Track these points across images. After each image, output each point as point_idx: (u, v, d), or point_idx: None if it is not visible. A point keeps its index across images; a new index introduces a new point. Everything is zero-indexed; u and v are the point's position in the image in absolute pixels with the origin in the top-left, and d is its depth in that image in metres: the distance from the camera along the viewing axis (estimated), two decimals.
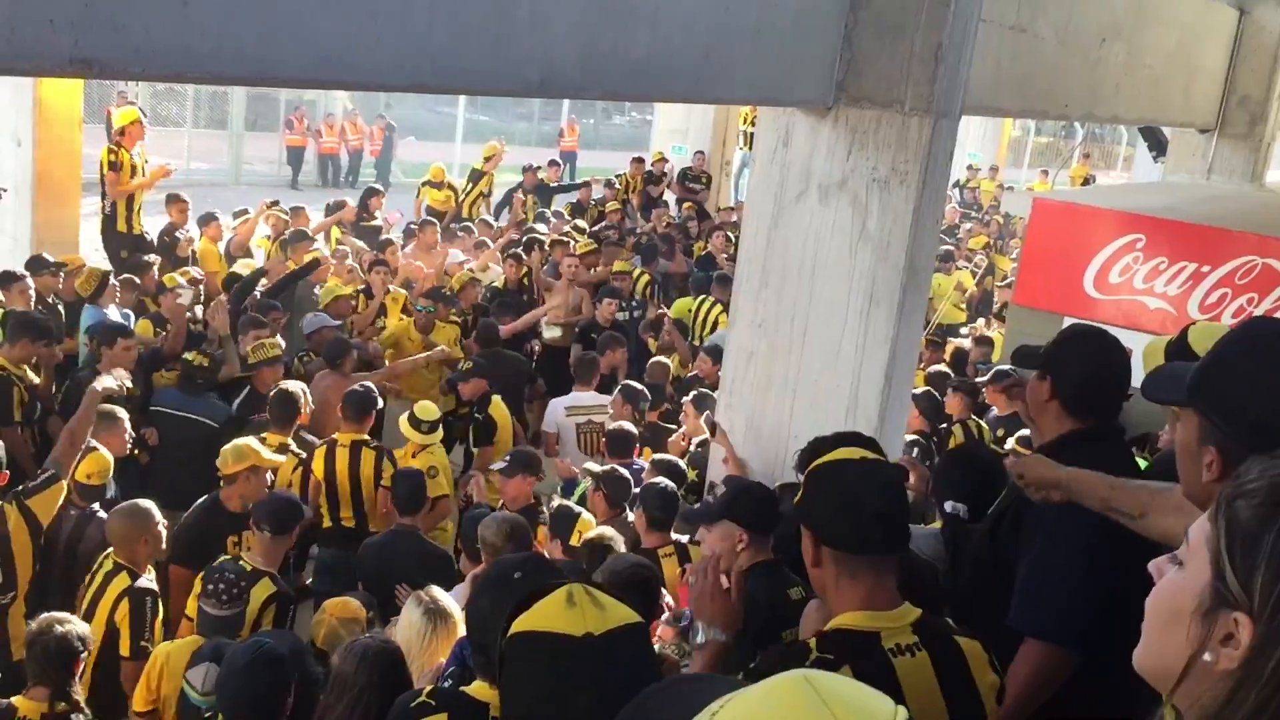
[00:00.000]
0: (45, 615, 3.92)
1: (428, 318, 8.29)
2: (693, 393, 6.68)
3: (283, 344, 7.00)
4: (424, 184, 14.05)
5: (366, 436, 6.17)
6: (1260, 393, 1.77)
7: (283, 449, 5.90)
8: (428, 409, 6.36)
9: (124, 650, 4.49)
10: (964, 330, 11.41)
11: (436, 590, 3.91)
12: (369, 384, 6.42)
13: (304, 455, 6.06)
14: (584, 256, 10.17)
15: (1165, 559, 1.29)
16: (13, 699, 3.82)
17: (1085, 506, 2.43)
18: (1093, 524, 2.44)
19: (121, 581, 4.57)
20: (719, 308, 9.37)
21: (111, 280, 7.60)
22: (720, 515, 3.65)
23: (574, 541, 4.76)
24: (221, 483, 5.34)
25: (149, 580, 4.68)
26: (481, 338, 8.16)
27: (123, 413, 5.59)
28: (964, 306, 12.67)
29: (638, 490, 5.09)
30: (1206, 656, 1.18)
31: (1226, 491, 1.22)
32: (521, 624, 1.79)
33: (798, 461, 3.02)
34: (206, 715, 3.56)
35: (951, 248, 13.82)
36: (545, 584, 1.87)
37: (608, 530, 4.58)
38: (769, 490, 3.88)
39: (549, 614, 1.78)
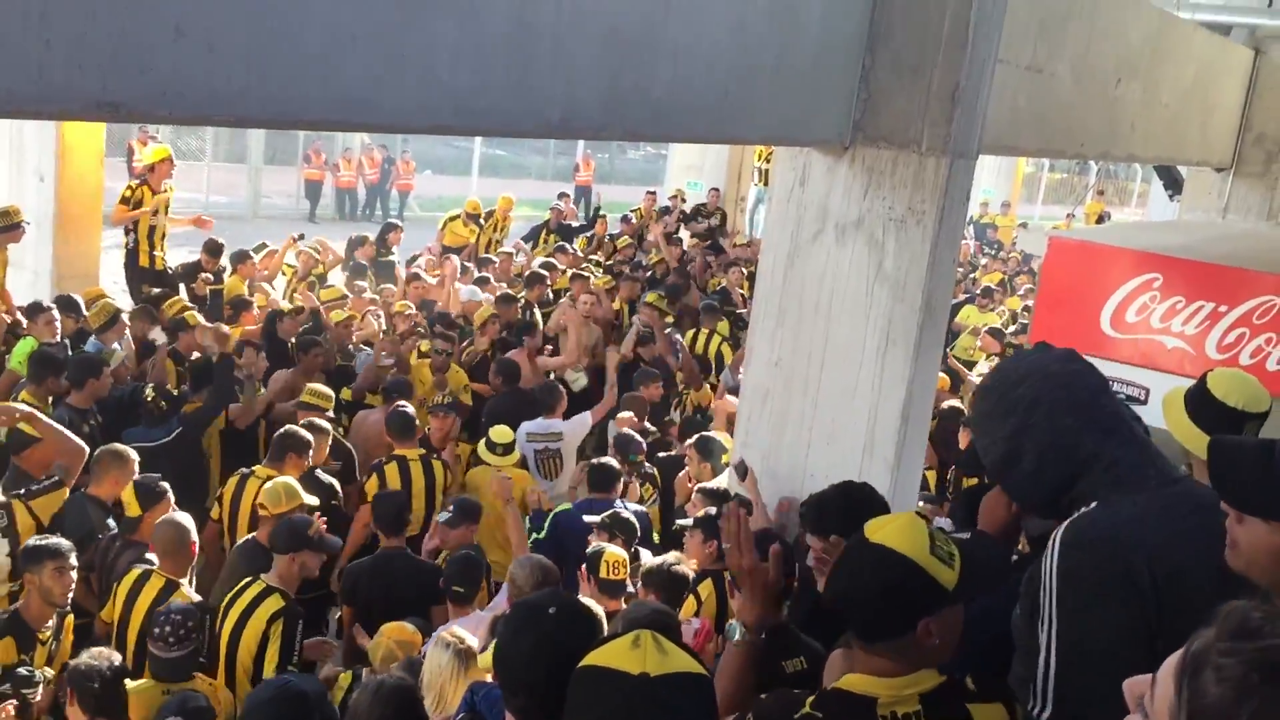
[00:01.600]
0: None
1: (443, 360, 8.29)
2: (696, 436, 6.68)
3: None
4: (452, 218, 14.02)
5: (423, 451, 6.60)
6: None
7: (251, 475, 5.97)
8: (503, 433, 6.67)
9: None
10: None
11: (460, 630, 3.90)
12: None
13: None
14: (574, 283, 10.17)
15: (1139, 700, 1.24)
16: None
17: None
18: None
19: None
20: (717, 339, 9.42)
21: (123, 318, 7.67)
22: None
23: (604, 574, 4.77)
24: (260, 525, 5.36)
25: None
26: (502, 374, 8.08)
27: (133, 454, 5.59)
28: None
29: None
30: None
31: (1193, 653, 1.15)
32: (587, 660, 1.90)
33: (801, 514, 3.00)
34: None
35: (991, 286, 13.85)
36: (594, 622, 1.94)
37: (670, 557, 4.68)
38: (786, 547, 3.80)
39: (613, 652, 1.88)
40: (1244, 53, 9.87)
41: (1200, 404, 3.01)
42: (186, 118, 2.40)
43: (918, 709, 2.09)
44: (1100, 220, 22.89)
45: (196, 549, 5.07)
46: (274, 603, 4.71)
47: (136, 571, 4.92)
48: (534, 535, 5.91)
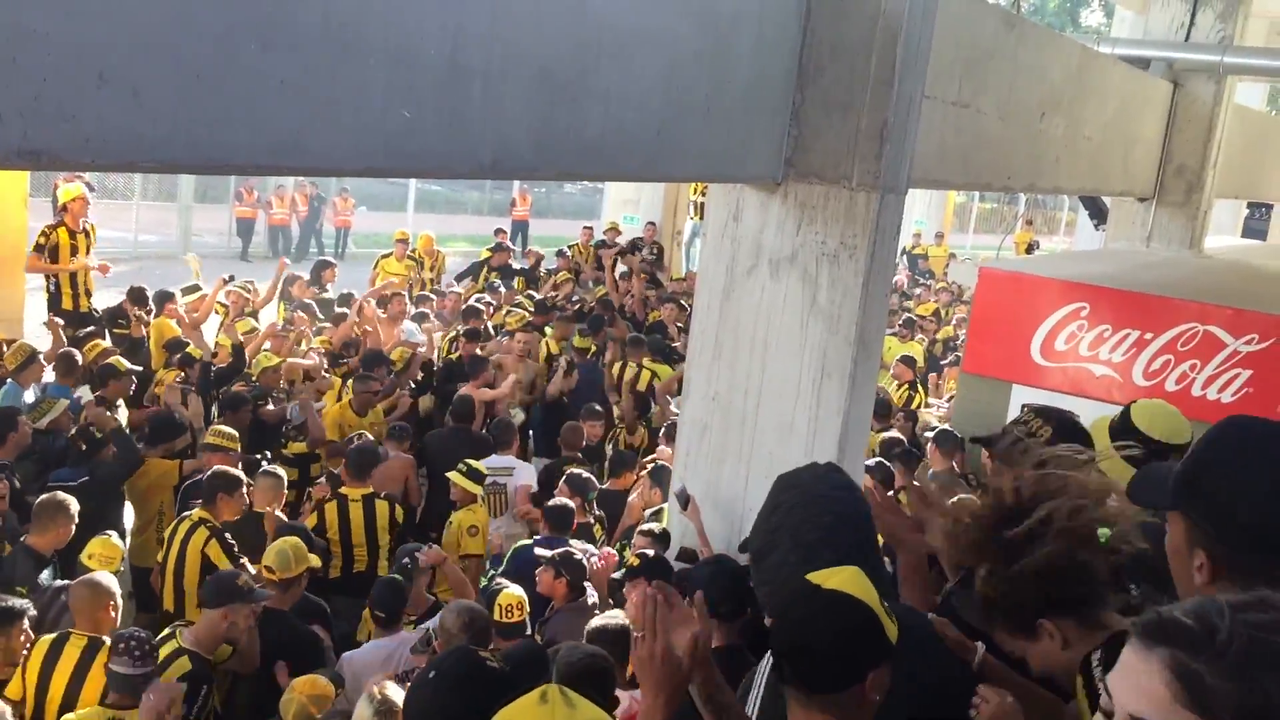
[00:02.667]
0: None
1: (364, 399, 8.20)
2: (651, 464, 6.73)
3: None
4: (384, 256, 13.91)
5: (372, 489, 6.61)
6: (1246, 496, 1.76)
7: (199, 524, 5.83)
8: (478, 463, 6.68)
9: None
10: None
11: (391, 688, 3.83)
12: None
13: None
14: (524, 329, 10.14)
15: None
16: None
17: None
18: None
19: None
20: (646, 373, 9.48)
21: (40, 359, 7.53)
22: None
23: (498, 616, 4.76)
24: (276, 590, 5.18)
25: None
26: (455, 412, 7.97)
27: (73, 502, 5.51)
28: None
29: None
30: None
31: (1184, 674, 1.16)
32: (497, 718, 1.90)
33: (741, 546, 3.01)
34: None
35: (914, 318, 14.00)
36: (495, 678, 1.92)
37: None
38: (742, 571, 3.75)
39: (521, 710, 1.88)
40: (1163, 86, 10.15)
41: (1125, 435, 3.06)
42: (111, 165, 2.37)
43: None
44: (1030, 249, 23.35)
45: (116, 609, 4.86)
46: (182, 665, 4.55)
47: (50, 637, 4.70)
48: (491, 571, 5.93)
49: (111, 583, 4.89)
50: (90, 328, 9.04)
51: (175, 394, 7.49)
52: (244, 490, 6.04)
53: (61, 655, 4.62)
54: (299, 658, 4.84)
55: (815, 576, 2.09)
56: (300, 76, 2.63)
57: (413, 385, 9.11)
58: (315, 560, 5.41)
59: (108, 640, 4.59)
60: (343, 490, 6.56)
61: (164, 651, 4.56)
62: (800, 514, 2.45)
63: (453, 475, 6.57)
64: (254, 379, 8.25)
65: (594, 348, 10.33)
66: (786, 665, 2.06)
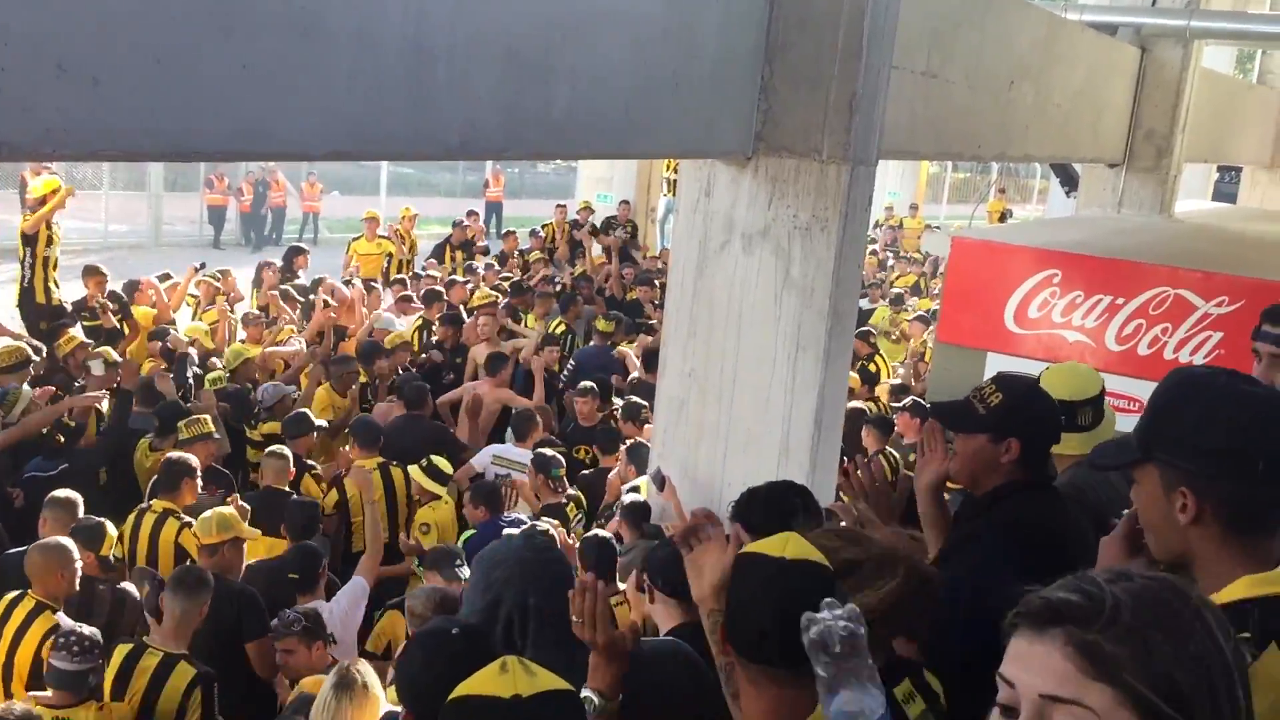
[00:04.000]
0: None
1: (346, 380, 8.15)
2: (631, 441, 6.73)
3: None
4: (354, 239, 13.84)
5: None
6: (1212, 423, 1.84)
7: (165, 515, 5.82)
8: (445, 462, 6.56)
9: None
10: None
11: (363, 663, 3.82)
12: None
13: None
14: (482, 307, 10.09)
15: None
16: None
17: None
18: None
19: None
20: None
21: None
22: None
23: None
24: (201, 554, 5.21)
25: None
26: (407, 399, 7.81)
27: (76, 497, 5.54)
28: (895, 339, 12.83)
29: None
30: None
31: (1091, 639, 1.21)
32: (457, 691, 1.92)
33: (731, 513, 3.04)
34: None
35: (903, 292, 14.07)
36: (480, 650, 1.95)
37: None
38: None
39: (482, 681, 1.91)
40: (1131, 51, 10.19)
41: None
42: (74, 155, 2.35)
43: None
44: (1003, 218, 23.43)
45: (71, 576, 4.85)
46: (185, 672, 4.47)
47: (9, 596, 4.78)
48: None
49: (71, 547, 4.89)
50: (63, 320, 8.97)
51: (166, 382, 7.43)
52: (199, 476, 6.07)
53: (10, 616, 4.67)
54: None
55: (761, 546, 2.06)
56: (262, 61, 2.61)
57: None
58: (249, 532, 5.40)
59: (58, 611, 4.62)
60: (357, 462, 6.65)
61: (149, 665, 4.43)
62: (519, 584, 2.67)
63: (414, 472, 6.48)
64: (230, 370, 8.21)
65: (565, 325, 10.32)
66: (764, 643, 2.00)
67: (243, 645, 4.94)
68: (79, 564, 4.90)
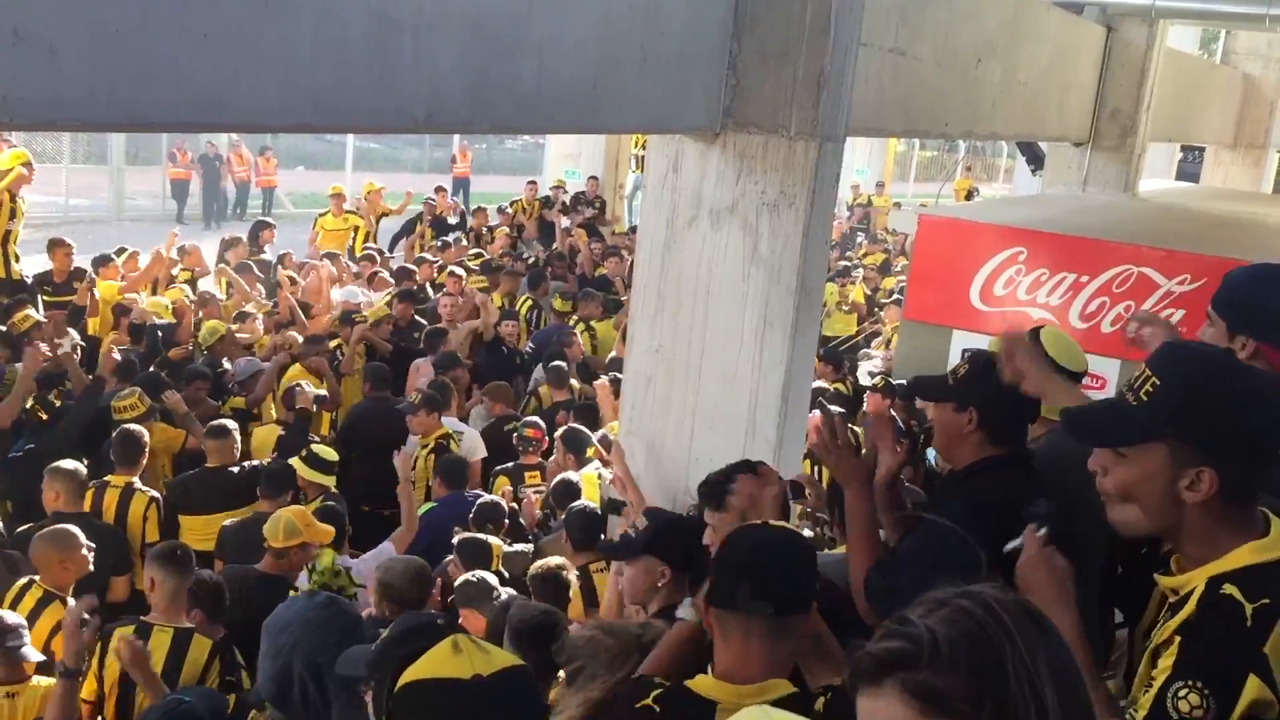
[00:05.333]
0: None
1: (316, 361, 8.11)
2: (565, 428, 6.67)
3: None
4: (321, 214, 13.71)
5: None
6: (1252, 408, 1.88)
7: (129, 489, 5.79)
8: (328, 450, 6.32)
9: None
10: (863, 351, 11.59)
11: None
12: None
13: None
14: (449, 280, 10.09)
15: None
16: None
17: None
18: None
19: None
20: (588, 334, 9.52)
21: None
22: (643, 550, 3.42)
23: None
24: (267, 556, 5.11)
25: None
26: (371, 379, 7.70)
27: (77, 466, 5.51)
28: (847, 310, 12.88)
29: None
30: None
31: (922, 679, 1.23)
32: (409, 675, 1.86)
33: (699, 495, 3.04)
34: None
35: (849, 264, 14.10)
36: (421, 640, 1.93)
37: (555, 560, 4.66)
38: (697, 524, 3.76)
39: (436, 662, 1.85)
40: (1097, 31, 10.24)
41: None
42: (29, 124, 2.31)
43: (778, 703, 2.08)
44: (969, 196, 23.54)
45: (79, 563, 4.83)
46: (203, 645, 4.42)
47: (20, 583, 4.78)
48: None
49: (77, 534, 4.86)
50: (21, 295, 8.83)
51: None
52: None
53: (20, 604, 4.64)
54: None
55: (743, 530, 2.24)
56: (223, 31, 2.57)
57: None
58: (321, 534, 5.28)
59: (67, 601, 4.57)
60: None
61: (162, 643, 4.34)
62: (306, 646, 2.73)
63: (295, 464, 6.19)
64: (203, 347, 8.14)
65: (531, 301, 10.30)
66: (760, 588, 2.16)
67: None
68: (86, 551, 4.85)
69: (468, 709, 1.80)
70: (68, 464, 5.46)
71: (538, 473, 6.57)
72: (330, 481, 6.18)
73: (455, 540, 5.22)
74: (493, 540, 5.26)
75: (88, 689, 4.24)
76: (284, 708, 2.66)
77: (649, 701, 2.12)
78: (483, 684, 1.81)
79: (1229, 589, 1.83)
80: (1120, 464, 1.97)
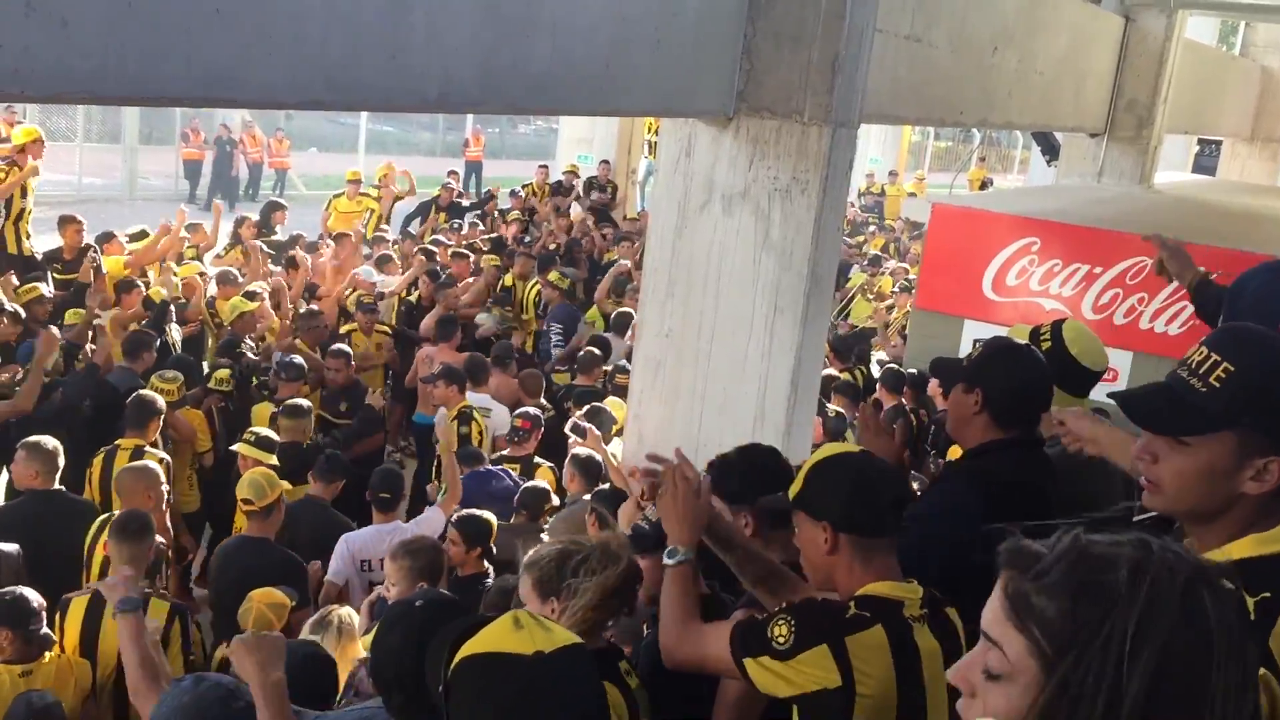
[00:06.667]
0: None
1: (315, 334, 8.15)
2: (587, 406, 6.65)
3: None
4: (336, 196, 13.71)
5: None
6: None
7: (139, 451, 5.78)
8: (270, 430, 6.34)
9: None
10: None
11: (344, 611, 3.84)
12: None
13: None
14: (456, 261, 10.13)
15: (971, 674, 1.29)
16: None
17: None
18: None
19: None
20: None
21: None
22: (654, 546, 3.52)
23: None
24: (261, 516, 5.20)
25: None
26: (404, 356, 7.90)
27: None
28: (872, 297, 12.85)
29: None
30: None
31: (1010, 595, 1.24)
32: (469, 649, 1.86)
33: (712, 474, 3.04)
34: None
35: (881, 255, 14.08)
36: (465, 614, 1.93)
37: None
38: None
39: (497, 637, 1.86)
40: (1115, 20, 10.16)
41: (1054, 360, 3.10)
42: (40, 96, 2.30)
43: (924, 611, 2.27)
44: (984, 186, 23.44)
45: (159, 496, 5.21)
46: (160, 607, 4.48)
47: (103, 517, 5.01)
48: None
49: (157, 468, 5.19)
50: (33, 271, 8.85)
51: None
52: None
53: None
54: (281, 582, 4.80)
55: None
56: (234, 5, 2.56)
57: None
58: (286, 486, 5.43)
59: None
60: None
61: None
62: None
63: (241, 446, 6.12)
64: (227, 325, 8.16)
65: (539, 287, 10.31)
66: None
67: None
68: (165, 486, 5.23)
69: (530, 685, 1.81)
70: (48, 441, 5.36)
71: (518, 465, 6.43)
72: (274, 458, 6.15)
73: (454, 519, 5.22)
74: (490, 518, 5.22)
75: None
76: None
77: (854, 609, 2.23)
78: (545, 660, 1.82)
79: None
80: (1179, 452, 1.89)
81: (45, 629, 4.18)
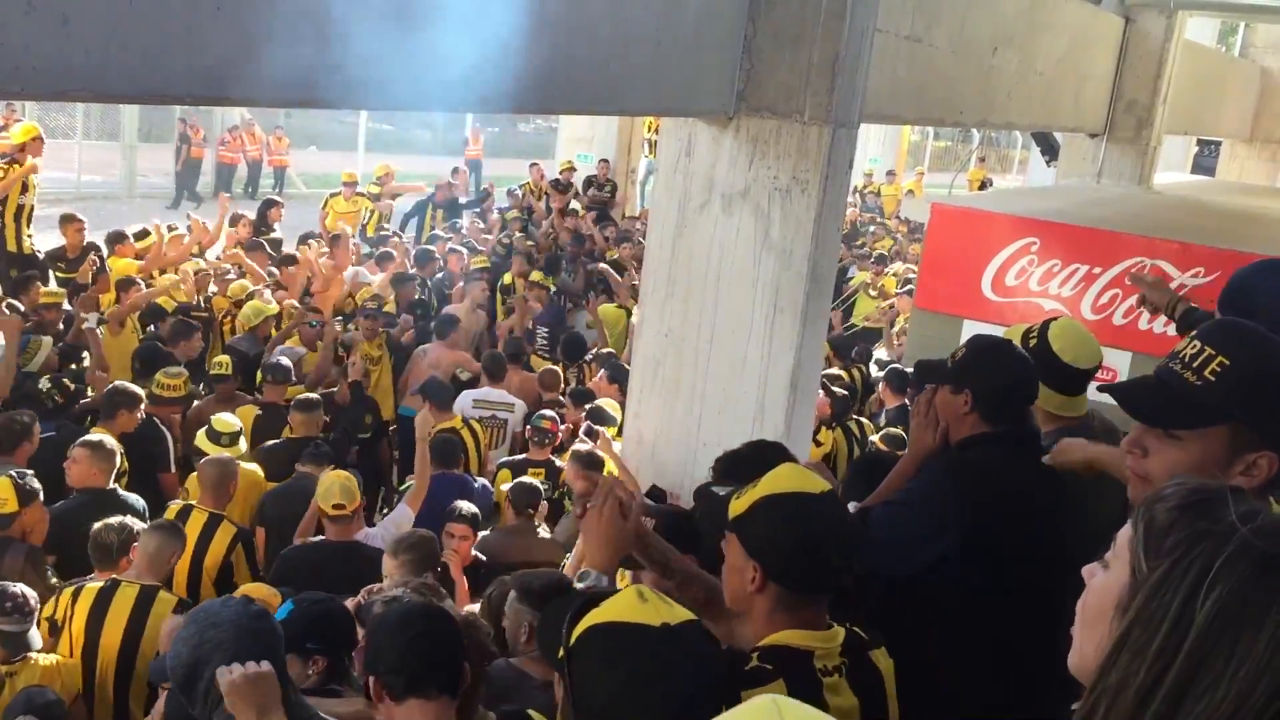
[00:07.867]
0: None
1: (309, 335, 8.15)
2: (589, 406, 6.71)
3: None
4: (332, 195, 13.71)
5: None
6: None
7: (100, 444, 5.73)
8: (227, 422, 6.22)
9: None
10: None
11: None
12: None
13: None
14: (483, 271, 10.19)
15: (1095, 564, 1.32)
16: None
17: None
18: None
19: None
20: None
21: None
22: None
23: None
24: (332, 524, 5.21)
25: None
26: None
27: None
28: (875, 295, 12.85)
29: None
30: None
31: (1147, 497, 1.27)
32: (595, 618, 1.89)
33: (719, 467, 3.04)
34: None
35: (886, 254, 14.09)
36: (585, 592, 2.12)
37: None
38: (687, 515, 3.68)
39: (623, 608, 1.89)
40: (1115, 21, 10.17)
41: (1040, 359, 3.09)
42: (40, 94, 2.30)
43: (842, 661, 2.16)
44: (983, 187, 23.45)
45: (233, 488, 5.47)
46: (167, 600, 4.52)
47: (177, 506, 5.33)
48: None
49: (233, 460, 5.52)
50: (32, 270, 8.83)
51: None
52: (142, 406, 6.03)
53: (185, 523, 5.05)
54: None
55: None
56: (236, 3, 2.56)
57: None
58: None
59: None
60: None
61: (128, 595, 4.42)
62: (230, 650, 2.73)
63: (199, 439, 6.13)
64: (250, 328, 8.15)
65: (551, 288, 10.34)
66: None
67: None
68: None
69: (658, 655, 1.83)
70: (108, 440, 5.40)
71: (542, 470, 6.42)
72: (239, 450, 6.14)
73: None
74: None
75: (62, 648, 4.31)
76: (186, 694, 2.72)
77: (755, 662, 2.12)
78: (672, 631, 1.85)
79: None
80: (1171, 446, 1.89)
81: (34, 633, 4.17)
